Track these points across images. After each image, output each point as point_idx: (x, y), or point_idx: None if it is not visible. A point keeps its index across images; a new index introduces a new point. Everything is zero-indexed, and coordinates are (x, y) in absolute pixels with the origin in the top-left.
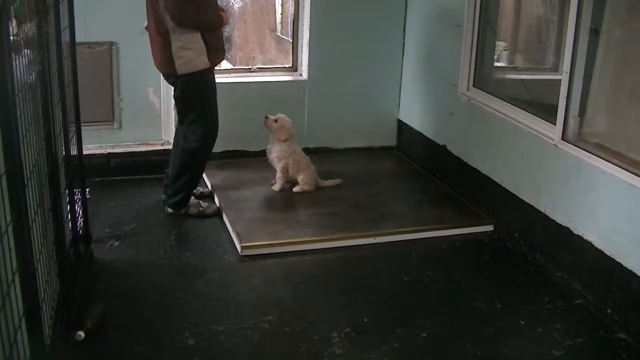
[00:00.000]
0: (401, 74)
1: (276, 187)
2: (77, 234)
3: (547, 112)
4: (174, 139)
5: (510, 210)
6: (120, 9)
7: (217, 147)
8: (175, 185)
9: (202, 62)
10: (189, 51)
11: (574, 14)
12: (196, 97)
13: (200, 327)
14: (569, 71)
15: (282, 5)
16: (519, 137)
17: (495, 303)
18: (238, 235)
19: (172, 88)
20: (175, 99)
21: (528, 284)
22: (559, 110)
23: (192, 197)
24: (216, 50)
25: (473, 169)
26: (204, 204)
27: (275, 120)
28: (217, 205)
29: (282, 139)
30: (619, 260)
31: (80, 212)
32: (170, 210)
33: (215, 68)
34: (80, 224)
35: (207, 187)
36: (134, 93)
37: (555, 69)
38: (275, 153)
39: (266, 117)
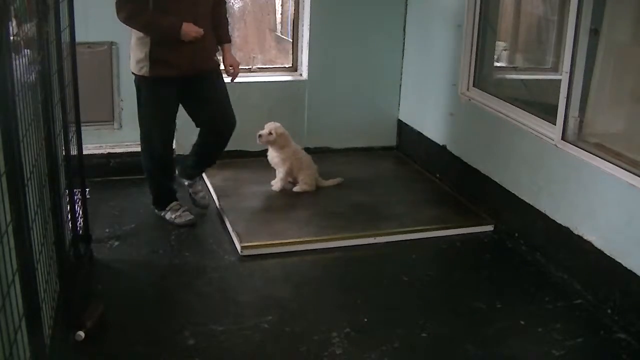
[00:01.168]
0: (401, 74)
1: (276, 187)
2: (77, 234)
3: (547, 112)
4: None
5: (510, 210)
6: None
7: None
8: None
9: (142, 68)
10: (136, 51)
11: (574, 14)
12: (139, 102)
13: (200, 327)
14: (569, 71)
15: (282, 5)
16: (519, 137)
17: (495, 303)
18: (238, 235)
19: None
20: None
21: (528, 284)
22: (559, 110)
23: (175, 203)
24: (162, 63)
25: (473, 169)
26: (181, 213)
27: (270, 133)
28: (192, 217)
29: (283, 145)
30: (619, 260)
31: (80, 212)
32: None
33: (165, 78)
34: (80, 224)
35: (209, 190)
36: (134, 93)
37: (555, 69)
38: (278, 157)
39: (259, 135)
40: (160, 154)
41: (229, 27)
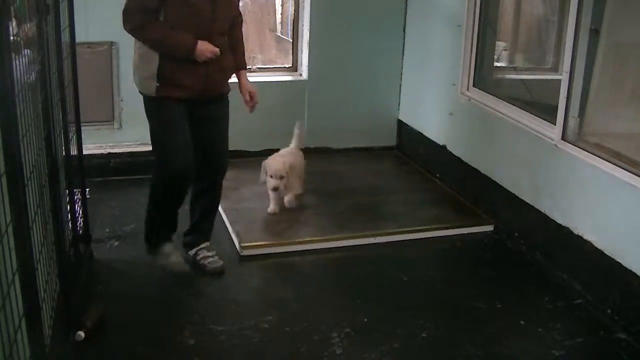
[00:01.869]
0: (401, 74)
1: (273, 208)
2: (77, 234)
3: (547, 112)
4: None
5: (510, 210)
6: (120, 9)
7: None
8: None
9: (151, 87)
10: (141, 69)
11: (574, 14)
12: (150, 124)
13: (200, 327)
14: (569, 71)
15: (282, 5)
16: (519, 137)
17: (495, 303)
18: (238, 235)
19: None
20: None
21: (528, 284)
22: (559, 110)
23: (169, 244)
24: (174, 84)
25: (473, 169)
26: (175, 258)
27: (282, 177)
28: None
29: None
30: (619, 260)
31: (80, 212)
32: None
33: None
34: (80, 224)
35: None
36: (134, 93)
37: (555, 69)
38: (286, 187)
39: (275, 188)
40: (176, 184)
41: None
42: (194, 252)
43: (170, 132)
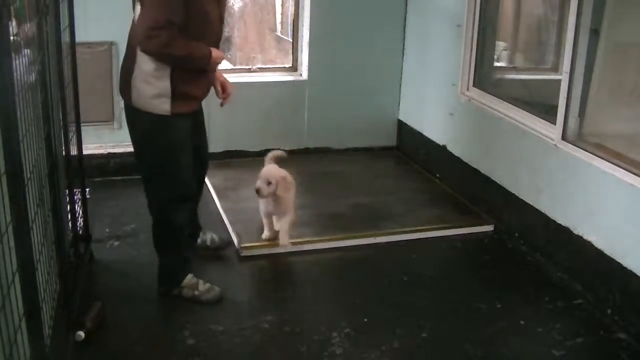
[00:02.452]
0: (401, 74)
1: (267, 234)
2: (77, 234)
3: (547, 112)
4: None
5: (510, 210)
6: (120, 9)
7: (217, 147)
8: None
9: (161, 106)
10: (149, 87)
11: (574, 14)
12: (154, 145)
13: (200, 327)
14: (569, 71)
15: (282, 5)
16: (519, 137)
17: (495, 303)
18: (238, 235)
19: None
20: (132, 141)
21: (528, 284)
22: (559, 110)
23: (192, 276)
24: (186, 98)
25: (473, 169)
26: (202, 287)
27: (269, 183)
28: (219, 290)
29: (288, 192)
30: (619, 260)
31: (80, 212)
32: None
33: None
34: (80, 224)
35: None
36: None
37: (555, 69)
38: (278, 208)
39: (257, 190)
40: (188, 201)
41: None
42: (199, 242)
43: (180, 152)
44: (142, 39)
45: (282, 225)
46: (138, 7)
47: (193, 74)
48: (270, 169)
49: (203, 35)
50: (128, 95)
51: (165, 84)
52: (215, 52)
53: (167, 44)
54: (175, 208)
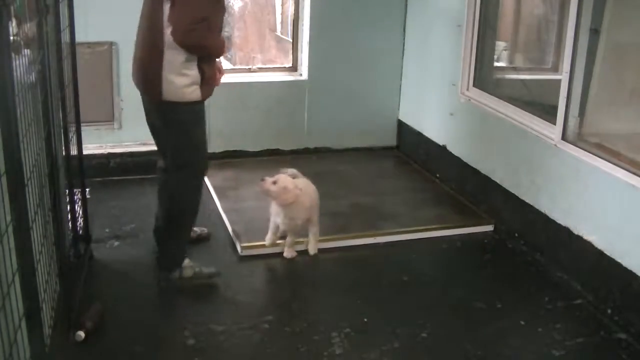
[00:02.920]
0: (401, 74)
1: (290, 253)
2: (77, 234)
3: (547, 112)
4: (159, 180)
5: (510, 210)
6: (120, 9)
7: (217, 147)
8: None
9: (193, 93)
10: (183, 78)
11: (574, 14)
12: (187, 130)
13: (200, 327)
14: (569, 71)
15: (282, 5)
16: (519, 137)
17: (495, 303)
18: (238, 235)
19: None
20: (153, 130)
21: (528, 284)
22: (559, 110)
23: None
24: (209, 82)
25: (473, 169)
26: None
27: (274, 182)
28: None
29: (289, 202)
30: (619, 260)
31: (80, 212)
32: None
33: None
34: (80, 224)
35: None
36: (134, 93)
37: (555, 69)
38: (287, 216)
39: (262, 179)
40: (204, 179)
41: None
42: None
43: (203, 131)
44: (181, 33)
45: (312, 246)
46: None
47: (211, 61)
48: (296, 178)
49: (220, 28)
50: (157, 90)
51: (195, 73)
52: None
53: (204, 36)
54: (200, 191)
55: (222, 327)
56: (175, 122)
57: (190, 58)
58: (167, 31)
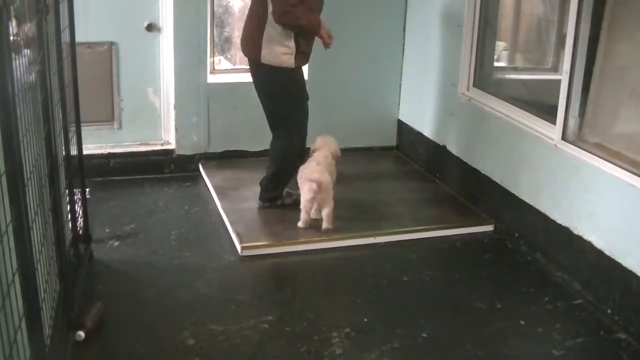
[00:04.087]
0: (401, 74)
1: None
2: (77, 234)
3: (547, 112)
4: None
5: (510, 210)
6: (120, 9)
7: (217, 147)
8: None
9: (288, 61)
10: (279, 46)
11: (574, 14)
12: (286, 95)
13: (200, 327)
14: (569, 71)
15: None
16: (519, 137)
17: (495, 303)
18: (238, 235)
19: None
20: (259, 95)
21: (528, 284)
22: (559, 110)
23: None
24: (304, 55)
25: (473, 169)
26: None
27: (319, 186)
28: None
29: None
30: (619, 260)
31: (80, 212)
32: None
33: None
34: (80, 224)
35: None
36: (134, 93)
37: (555, 69)
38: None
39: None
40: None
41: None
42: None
43: (299, 98)
44: (279, 14)
45: (326, 215)
46: None
47: (307, 36)
48: (314, 169)
49: (315, 8)
50: (257, 55)
51: (292, 44)
52: (324, 22)
53: (299, 17)
54: (294, 154)
55: (222, 327)
56: (271, 84)
57: (287, 32)
58: (269, 9)
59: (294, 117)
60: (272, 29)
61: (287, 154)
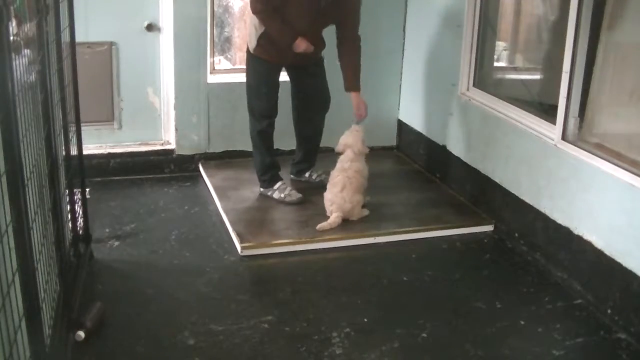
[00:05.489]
0: (401, 74)
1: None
2: (77, 234)
3: (547, 112)
4: None
5: (510, 210)
6: (120, 9)
7: (217, 147)
8: None
9: (251, 44)
10: (252, 28)
11: (574, 14)
12: (246, 72)
13: (200, 327)
14: (569, 71)
15: None
16: (519, 137)
17: (495, 303)
18: (238, 235)
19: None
20: None
21: (528, 284)
22: (559, 110)
23: (281, 182)
24: (270, 50)
25: (473, 169)
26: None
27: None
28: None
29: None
30: (619, 260)
31: (80, 212)
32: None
33: (272, 63)
34: (80, 224)
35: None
36: (134, 93)
37: (555, 69)
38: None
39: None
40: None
41: (230, 27)
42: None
43: (261, 84)
44: (251, 7)
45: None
46: None
47: (274, 42)
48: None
49: (296, 20)
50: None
51: (257, 32)
52: (298, 41)
53: (265, 21)
54: (259, 135)
55: (222, 327)
56: (246, 64)
57: (258, 24)
58: None
59: (250, 100)
60: (253, 18)
61: (250, 134)
